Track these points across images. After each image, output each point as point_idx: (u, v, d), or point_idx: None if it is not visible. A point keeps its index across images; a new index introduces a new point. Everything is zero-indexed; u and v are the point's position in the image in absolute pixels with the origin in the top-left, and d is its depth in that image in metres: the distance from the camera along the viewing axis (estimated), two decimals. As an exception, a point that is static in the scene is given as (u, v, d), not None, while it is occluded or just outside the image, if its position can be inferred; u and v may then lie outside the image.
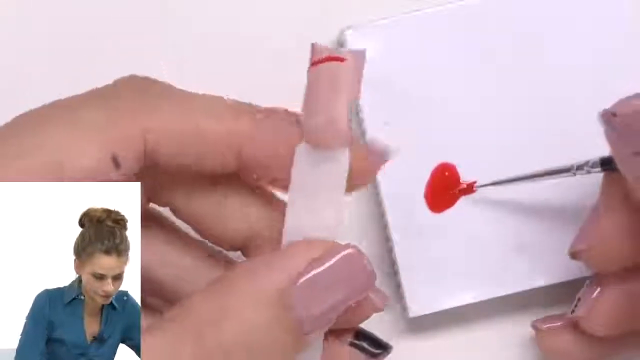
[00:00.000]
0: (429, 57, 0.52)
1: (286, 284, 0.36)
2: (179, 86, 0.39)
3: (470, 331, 0.52)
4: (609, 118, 0.31)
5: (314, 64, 0.35)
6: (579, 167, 0.43)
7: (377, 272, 0.39)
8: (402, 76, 0.51)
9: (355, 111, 0.53)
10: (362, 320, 0.40)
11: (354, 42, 0.52)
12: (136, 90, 0.38)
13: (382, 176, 0.51)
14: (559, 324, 0.46)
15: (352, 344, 0.40)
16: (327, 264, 0.36)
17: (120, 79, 0.38)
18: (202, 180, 0.39)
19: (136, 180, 0.38)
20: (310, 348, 0.38)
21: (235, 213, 0.40)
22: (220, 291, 0.37)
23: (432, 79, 0.51)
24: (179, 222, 0.42)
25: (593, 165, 0.42)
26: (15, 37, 0.52)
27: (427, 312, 0.50)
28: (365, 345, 0.40)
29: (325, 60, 0.35)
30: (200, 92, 0.39)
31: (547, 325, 0.47)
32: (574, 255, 0.43)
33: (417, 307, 0.50)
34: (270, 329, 0.36)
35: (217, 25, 0.53)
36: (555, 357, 0.46)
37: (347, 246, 0.37)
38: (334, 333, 0.39)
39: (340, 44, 0.53)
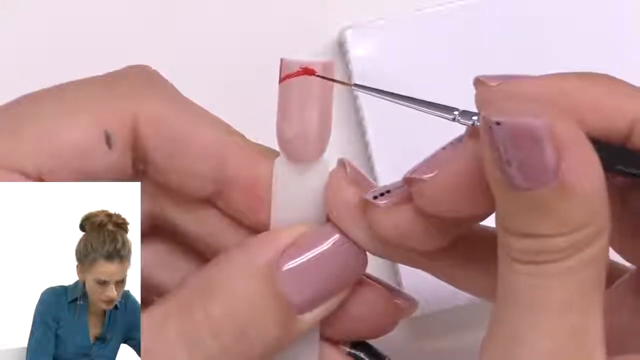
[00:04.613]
0: (429, 57, 0.52)
1: (273, 257, 0.36)
2: (178, 84, 0.39)
3: (470, 331, 0.52)
4: (491, 126, 0.31)
5: (283, 78, 0.36)
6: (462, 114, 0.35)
7: (376, 273, 0.39)
8: (402, 75, 0.52)
9: (355, 110, 0.53)
10: (388, 327, 0.39)
11: (354, 42, 0.52)
12: (137, 78, 0.38)
13: (380, 177, 0.51)
14: (395, 200, 0.36)
15: (349, 354, 0.40)
16: (313, 240, 0.37)
17: (129, 66, 0.39)
18: (189, 200, 0.39)
19: (134, 176, 0.38)
20: (304, 341, 0.38)
21: (216, 235, 0.40)
22: (211, 267, 0.37)
23: (432, 78, 0.51)
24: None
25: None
26: (15, 37, 0.52)
27: (427, 312, 0.50)
28: (362, 355, 0.39)
29: (295, 74, 0.36)
30: (200, 90, 0.39)
31: (385, 201, 0.36)
32: (409, 182, 0.35)
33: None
34: (259, 303, 0.36)
35: (217, 25, 0.53)
36: (393, 238, 0.36)
37: (334, 230, 0.37)
38: (332, 342, 0.39)
39: (340, 44, 0.53)
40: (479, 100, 0.35)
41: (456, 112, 0.34)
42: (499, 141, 0.31)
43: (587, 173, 0.30)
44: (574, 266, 0.31)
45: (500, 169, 0.31)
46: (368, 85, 0.37)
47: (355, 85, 0.37)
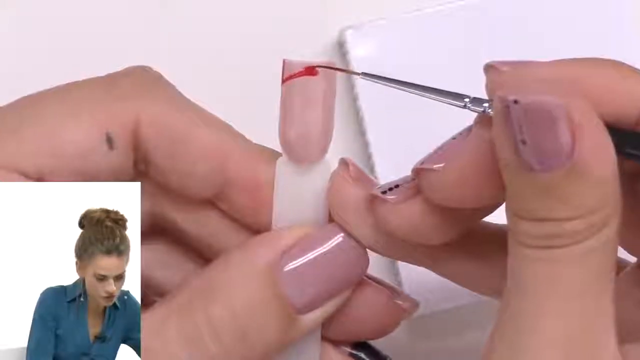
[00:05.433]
0: (429, 57, 0.52)
1: (274, 258, 0.36)
2: (178, 84, 0.39)
3: (470, 331, 0.52)
4: (508, 104, 0.31)
5: (286, 79, 0.36)
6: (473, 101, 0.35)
7: (376, 273, 0.39)
8: (401, 76, 0.51)
9: (355, 110, 0.53)
10: (389, 327, 0.39)
11: (354, 42, 0.52)
12: (138, 79, 0.38)
13: (380, 177, 0.51)
14: (404, 194, 0.36)
15: (350, 354, 0.40)
16: (315, 241, 0.37)
17: (131, 67, 0.39)
18: (190, 200, 0.39)
19: (135, 177, 0.38)
20: (305, 342, 0.38)
21: (216, 236, 0.40)
22: (212, 268, 0.37)
23: (432, 78, 0.51)
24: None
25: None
26: (16, 37, 0.53)
27: (427, 312, 0.50)
28: (363, 355, 0.39)
29: (297, 75, 0.36)
30: (200, 90, 0.39)
31: (393, 196, 0.36)
32: (418, 172, 0.35)
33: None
34: (260, 304, 0.36)
35: (217, 25, 0.53)
36: (402, 233, 0.36)
37: (337, 230, 0.37)
38: (333, 342, 0.39)
39: (340, 44, 0.53)
40: (491, 85, 0.35)
41: (467, 99, 0.34)
42: (515, 120, 0.30)
43: (601, 155, 0.30)
44: (587, 251, 0.31)
45: (514, 151, 0.31)
46: (376, 74, 0.37)
47: (364, 74, 0.37)
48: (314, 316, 0.37)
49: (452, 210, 0.35)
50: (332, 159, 0.38)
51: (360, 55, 0.52)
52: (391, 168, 0.41)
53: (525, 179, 0.31)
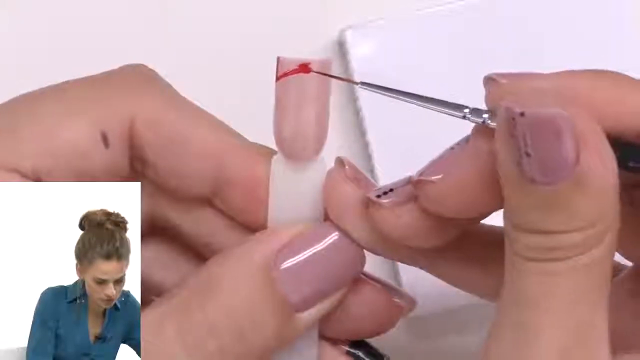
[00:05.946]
0: (429, 57, 0.52)
1: (271, 255, 0.36)
2: (178, 84, 0.39)
3: (469, 332, 0.52)
4: (513, 117, 0.31)
5: (280, 76, 0.36)
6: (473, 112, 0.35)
7: (376, 273, 0.39)
8: (401, 76, 0.52)
9: (355, 111, 0.53)
10: (387, 325, 0.39)
11: (354, 42, 0.52)
12: (135, 78, 0.38)
13: (380, 177, 0.51)
14: (399, 198, 0.36)
15: (348, 353, 0.40)
16: (311, 239, 0.37)
17: (126, 65, 0.39)
18: (188, 200, 0.39)
19: (132, 176, 0.38)
20: (303, 340, 0.38)
21: (214, 235, 0.40)
22: (209, 267, 0.37)
23: (432, 78, 0.51)
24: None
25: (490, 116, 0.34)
26: (16, 37, 0.53)
27: (426, 312, 0.50)
28: (360, 354, 0.39)
29: (292, 72, 0.36)
30: (199, 90, 0.39)
31: (388, 200, 0.36)
32: (417, 184, 0.35)
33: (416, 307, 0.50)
34: (257, 302, 0.36)
35: (217, 25, 0.53)
36: (396, 237, 0.36)
37: (332, 229, 0.37)
38: (330, 341, 0.40)
39: (340, 44, 0.53)
40: (491, 97, 0.35)
41: (466, 110, 0.34)
42: (520, 133, 0.30)
43: (604, 168, 0.31)
44: (587, 262, 0.31)
45: (517, 163, 0.31)
46: (374, 83, 0.37)
47: (362, 83, 0.37)
48: (311, 314, 0.37)
49: (448, 217, 0.35)
50: (331, 159, 0.38)
51: (360, 55, 0.52)
52: (391, 169, 0.41)
53: (526, 191, 0.31)
